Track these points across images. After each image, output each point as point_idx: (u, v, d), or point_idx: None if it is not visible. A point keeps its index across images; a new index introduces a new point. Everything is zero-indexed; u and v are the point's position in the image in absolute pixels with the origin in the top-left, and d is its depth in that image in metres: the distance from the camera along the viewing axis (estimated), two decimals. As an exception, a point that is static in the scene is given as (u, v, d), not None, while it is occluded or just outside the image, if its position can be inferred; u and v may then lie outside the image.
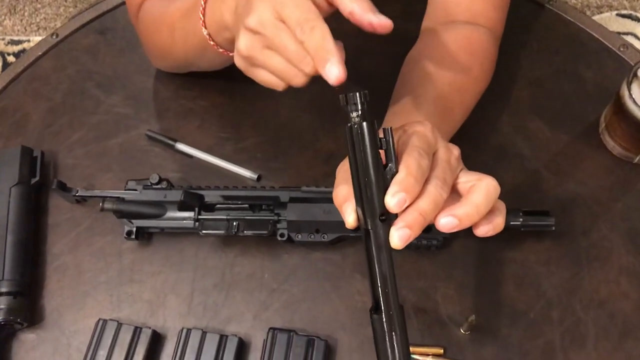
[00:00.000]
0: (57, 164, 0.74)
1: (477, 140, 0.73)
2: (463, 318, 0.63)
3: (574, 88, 0.76)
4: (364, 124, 0.44)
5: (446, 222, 0.45)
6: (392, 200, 0.43)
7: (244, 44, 0.48)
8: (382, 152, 0.45)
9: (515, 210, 0.65)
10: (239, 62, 0.51)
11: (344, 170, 0.49)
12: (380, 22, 0.46)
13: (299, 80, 0.48)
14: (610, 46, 0.78)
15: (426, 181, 0.45)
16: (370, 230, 0.44)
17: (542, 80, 0.77)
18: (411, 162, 0.44)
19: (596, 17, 1.36)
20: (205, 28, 0.57)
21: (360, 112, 0.44)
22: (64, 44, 0.82)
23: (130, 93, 0.78)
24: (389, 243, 0.43)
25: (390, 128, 0.45)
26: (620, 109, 0.66)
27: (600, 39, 0.79)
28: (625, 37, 1.36)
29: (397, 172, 0.44)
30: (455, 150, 0.49)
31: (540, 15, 0.82)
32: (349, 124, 0.44)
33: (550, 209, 0.68)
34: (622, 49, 0.78)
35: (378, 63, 0.79)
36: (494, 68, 0.69)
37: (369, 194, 0.44)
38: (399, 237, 0.43)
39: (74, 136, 0.76)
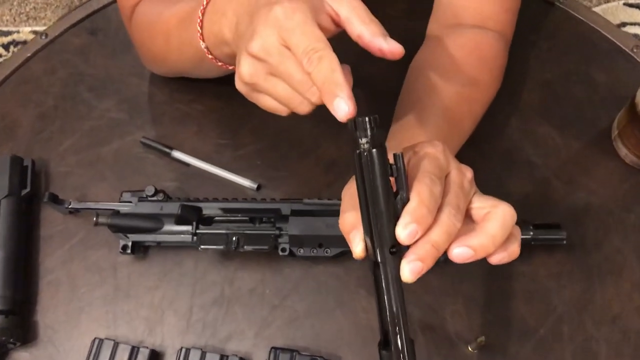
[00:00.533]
0: (49, 173, 0.72)
1: (483, 146, 0.70)
2: (471, 335, 0.61)
3: (585, 91, 0.73)
4: (374, 151, 0.41)
5: (460, 253, 0.42)
6: (404, 232, 0.40)
7: (247, 70, 0.45)
8: (392, 179, 0.42)
9: (526, 224, 0.62)
10: (240, 87, 0.48)
11: (349, 194, 0.46)
12: (390, 49, 0.43)
13: (304, 108, 0.45)
14: (623, 47, 0.75)
15: (439, 209, 0.42)
16: (380, 263, 0.42)
17: (551, 83, 0.74)
18: (423, 189, 0.41)
19: (603, 7, 1.32)
20: (203, 41, 0.54)
21: (369, 138, 0.41)
22: (54, 45, 0.79)
23: (124, 97, 0.75)
24: (399, 276, 0.41)
25: (401, 154, 0.42)
26: (635, 117, 0.63)
27: (613, 39, 0.76)
28: (632, 27, 1.33)
29: (408, 200, 0.41)
30: (469, 173, 0.46)
31: (549, 13, 0.79)
32: (358, 151, 0.41)
33: (561, 219, 0.66)
34: (635, 50, 0.75)
35: (379, 66, 0.74)
36: (503, 74, 0.67)
37: (379, 224, 0.41)
38: (410, 270, 0.41)
39: (66, 143, 0.73)
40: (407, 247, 0.41)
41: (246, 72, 0.45)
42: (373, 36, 0.44)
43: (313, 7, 0.44)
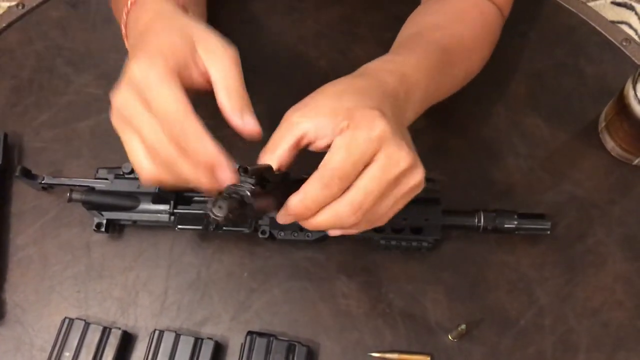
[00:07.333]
0: (23, 147, 0.69)
1: (469, 135, 0.69)
2: (452, 324, 0.60)
3: (573, 83, 0.73)
4: (247, 194, 0.42)
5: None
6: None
7: (118, 102, 0.45)
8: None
9: (510, 213, 0.62)
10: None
11: None
12: (246, 128, 0.46)
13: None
14: (612, 40, 0.75)
15: None
16: None
17: (540, 74, 0.73)
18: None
19: (590, 5, 1.31)
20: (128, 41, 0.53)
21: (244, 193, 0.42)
22: (31, 15, 0.76)
23: (102, 72, 0.73)
24: None
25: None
26: (624, 109, 0.63)
27: (602, 31, 0.75)
28: (620, 26, 1.32)
29: None
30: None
31: (540, 4, 0.78)
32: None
33: (545, 210, 0.65)
34: (624, 43, 0.74)
35: (369, 50, 0.74)
36: (495, 43, 0.66)
37: None
38: None
39: (41, 117, 0.71)
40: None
41: (117, 104, 0.45)
42: (232, 112, 0.45)
43: (176, 61, 0.43)
